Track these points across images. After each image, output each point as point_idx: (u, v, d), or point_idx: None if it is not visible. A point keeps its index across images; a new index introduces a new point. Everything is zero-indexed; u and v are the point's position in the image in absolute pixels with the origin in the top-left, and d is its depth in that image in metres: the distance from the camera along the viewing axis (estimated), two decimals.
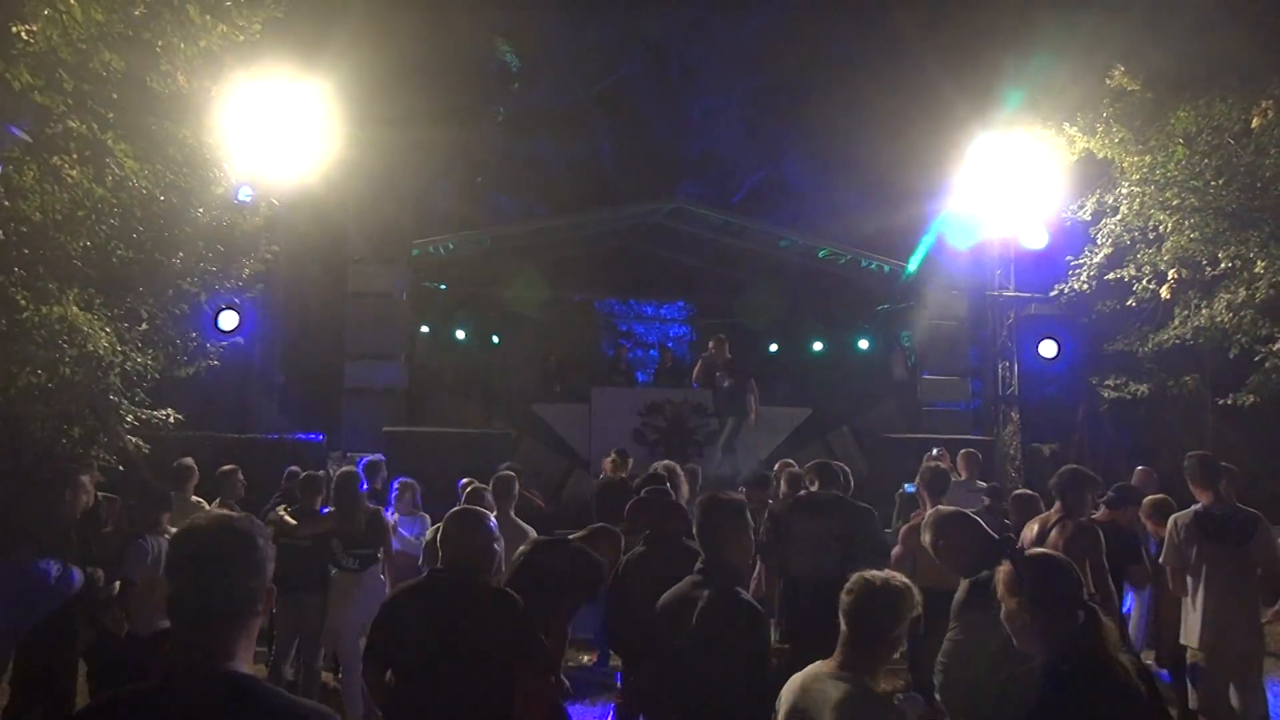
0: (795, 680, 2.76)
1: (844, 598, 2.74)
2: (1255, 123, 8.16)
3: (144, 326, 7.00)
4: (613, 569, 4.63)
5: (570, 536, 4.66)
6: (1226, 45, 8.37)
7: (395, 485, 7.39)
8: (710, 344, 10.94)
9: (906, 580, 2.76)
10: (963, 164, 11.34)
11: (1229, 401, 10.25)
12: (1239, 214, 8.60)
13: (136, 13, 5.52)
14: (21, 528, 4.74)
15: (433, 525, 6.25)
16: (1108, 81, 8.84)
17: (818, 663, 2.76)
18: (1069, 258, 10.70)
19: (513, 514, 6.15)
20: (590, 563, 4.30)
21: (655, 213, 14.39)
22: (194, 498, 6.80)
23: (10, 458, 5.70)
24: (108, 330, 6.22)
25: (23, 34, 5.07)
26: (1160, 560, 5.42)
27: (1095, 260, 10.27)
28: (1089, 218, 10.13)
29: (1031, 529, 5.06)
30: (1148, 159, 8.85)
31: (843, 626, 2.72)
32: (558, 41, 20.54)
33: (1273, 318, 9.22)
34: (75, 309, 5.88)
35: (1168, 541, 5.23)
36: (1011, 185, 10.90)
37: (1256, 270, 8.78)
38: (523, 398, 13.24)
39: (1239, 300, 9.27)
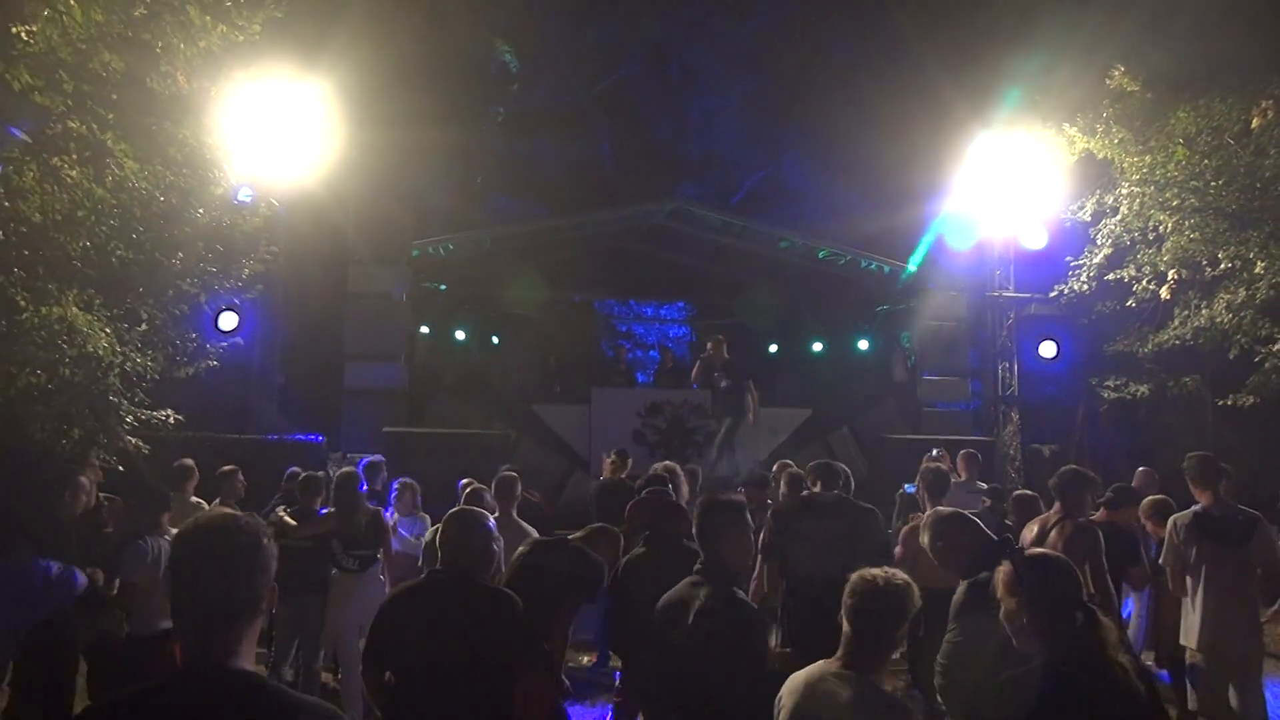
0: (799, 679, 2.74)
1: (847, 597, 2.74)
2: (1255, 123, 8.16)
3: (144, 327, 7.00)
4: (612, 569, 4.63)
5: (569, 537, 4.65)
6: (1226, 45, 8.37)
7: (395, 486, 7.39)
8: (708, 345, 10.95)
9: (907, 577, 2.76)
10: (963, 164, 11.34)
11: (1229, 402, 10.24)
12: (1239, 214, 8.59)
13: (136, 13, 5.52)
14: (21, 528, 4.74)
15: (432, 526, 6.25)
16: (1108, 82, 8.84)
17: (820, 662, 2.75)
18: (1069, 258, 10.70)
19: (515, 514, 6.15)
20: (589, 563, 4.30)
21: (655, 213, 14.39)
22: (194, 498, 6.81)
23: (10, 458, 5.70)
24: (107, 331, 6.22)
25: (22, 35, 5.07)
26: (1160, 561, 5.41)
27: (1095, 261, 10.27)
28: (1089, 218, 10.13)
29: (1031, 530, 5.07)
30: (1147, 159, 8.85)
31: (845, 626, 2.72)
32: (558, 42, 20.54)
33: (1273, 318, 9.22)
34: (75, 310, 5.88)
35: (1167, 542, 5.22)
36: (1011, 185, 10.91)
37: (1256, 271, 8.77)
38: (522, 398, 13.24)
39: (1239, 301, 9.27)
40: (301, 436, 10.35)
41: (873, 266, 13.87)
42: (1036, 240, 11.61)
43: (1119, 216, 9.65)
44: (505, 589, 3.59)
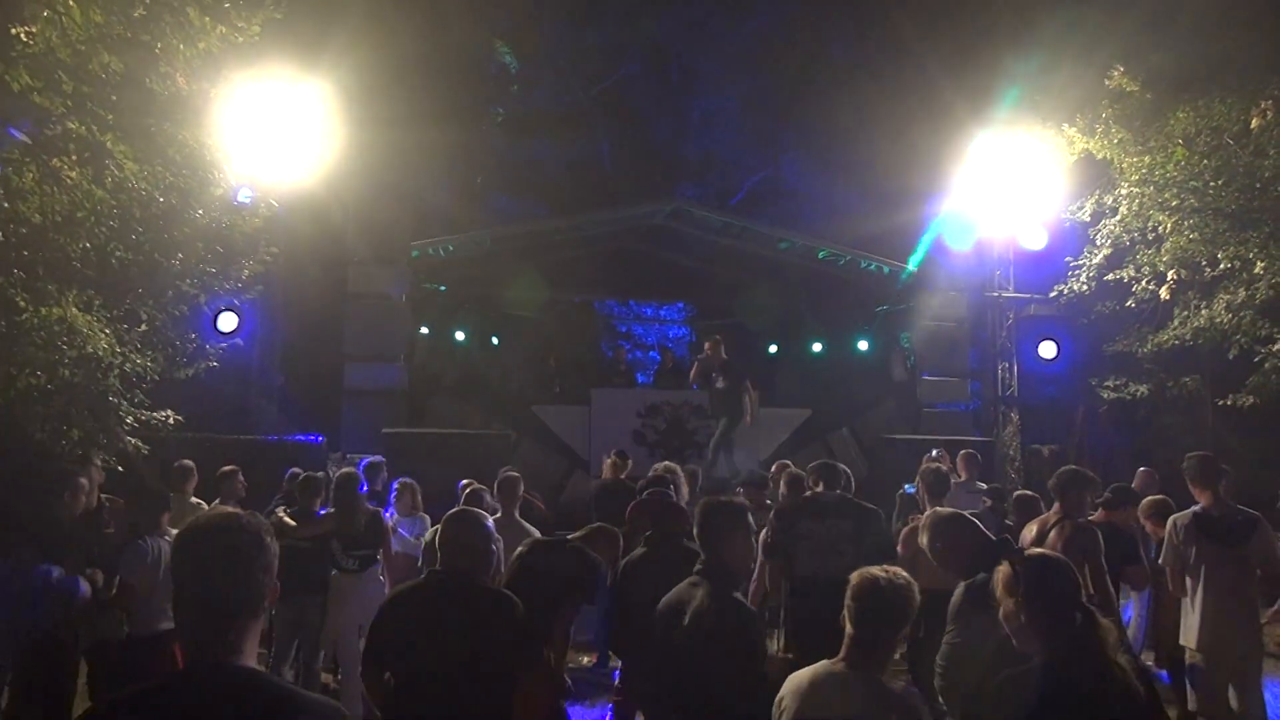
0: (802, 678, 2.73)
1: (849, 596, 2.73)
2: (1254, 123, 8.16)
3: (143, 328, 6.99)
4: (611, 568, 4.63)
5: (568, 537, 4.66)
6: (1226, 45, 8.37)
7: (395, 486, 7.39)
8: (705, 345, 10.95)
9: (909, 577, 2.76)
10: (962, 164, 11.34)
11: (1229, 402, 10.25)
12: (1238, 215, 8.59)
13: (136, 14, 5.51)
14: (21, 528, 4.74)
15: (432, 526, 6.25)
16: (1107, 82, 8.83)
17: (823, 662, 2.74)
18: (1068, 258, 10.70)
19: (517, 515, 6.15)
20: (587, 562, 4.30)
21: (655, 214, 14.39)
22: (193, 499, 6.81)
23: (10, 459, 5.70)
24: (107, 332, 6.21)
25: (22, 35, 5.06)
26: (1159, 561, 5.41)
27: (1095, 261, 10.27)
28: (1088, 218, 10.13)
29: (1030, 530, 5.07)
30: (1147, 160, 8.84)
31: (848, 626, 2.71)
32: (557, 42, 20.56)
33: (1272, 318, 9.22)
34: (75, 310, 5.87)
35: (1167, 542, 5.22)
36: (1011, 186, 10.90)
37: (1256, 271, 8.77)
38: (522, 399, 13.26)
39: (1238, 301, 9.27)
40: (301, 437, 10.35)
41: (872, 267, 13.87)
42: (1036, 240, 11.61)
43: (1118, 217, 9.65)
44: (505, 590, 3.59)
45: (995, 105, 10.92)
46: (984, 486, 8.13)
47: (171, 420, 7.38)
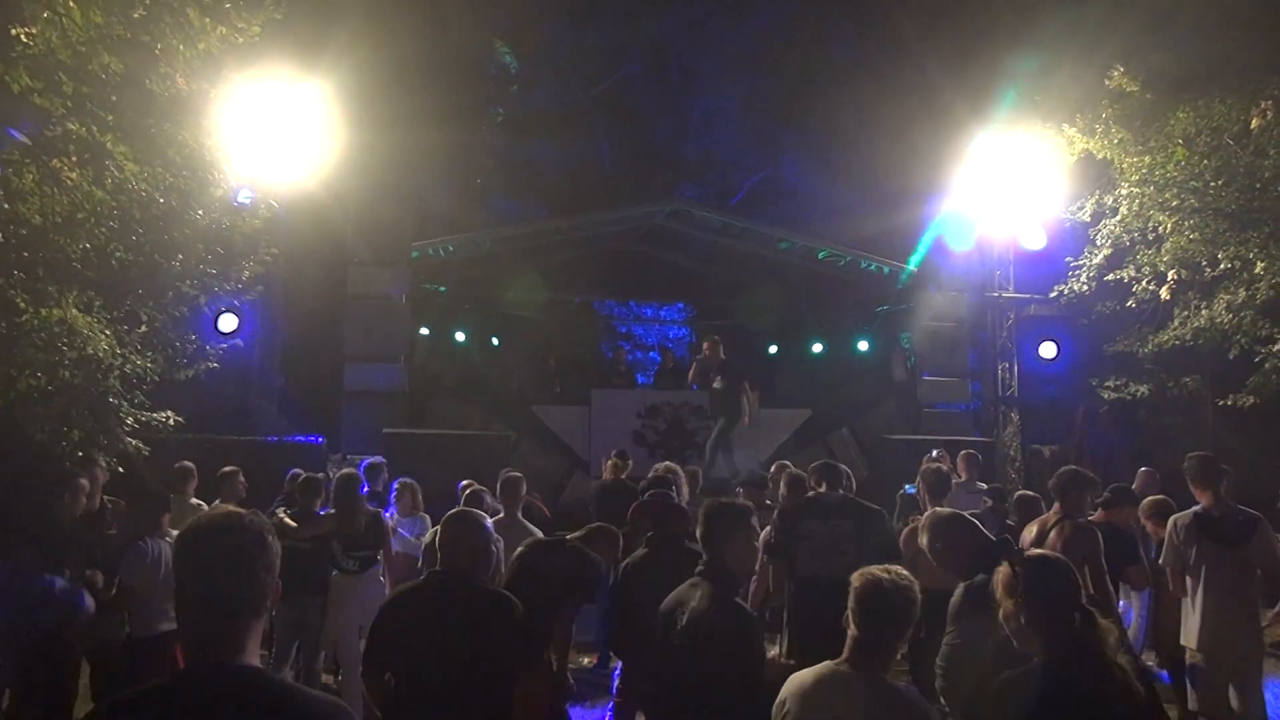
0: (805, 679, 2.71)
1: (853, 597, 2.72)
2: (1255, 123, 8.15)
3: (143, 329, 7.00)
4: (611, 568, 4.63)
5: (568, 537, 4.66)
6: (1226, 45, 8.37)
7: (395, 486, 7.39)
8: (704, 345, 10.96)
9: (911, 577, 2.76)
10: (962, 165, 11.34)
11: (1229, 402, 10.25)
12: (1238, 215, 8.59)
13: (136, 15, 5.51)
14: (21, 530, 4.73)
15: (433, 526, 6.25)
16: (1107, 82, 8.83)
17: (826, 663, 2.73)
18: (1069, 259, 10.70)
19: (520, 515, 6.14)
20: (587, 562, 4.31)
21: (655, 214, 14.40)
22: (194, 500, 6.81)
23: (10, 460, 5.70)
24: (107, 333, 6.21)
25: (22, 36, 5.06)
26: (1160, 561, 5.41)
27: (1095, 261, 10.27)
28: (1088, 219, 10.13)
29: (1030, 530, 5.07)
30: (1147, 160, 8.84)
31: (850, 626, 2.70)
32: (557, 42, 20.57)
33: (1273, 318, 9.22)
34: (75, 311, 5.88)
35: (1167, 542, 5.22)
36: (1011, 186, 10.91)
37: (1256, 271, 8.77)
38: (522, 399, 13.25)
39: (1239, 301, 9.27)
40: (302, 438, 10.36)
41: (872, 267, 13.87)
42: (1036, 240, 11.61)
43: (1118, 217, 9.65)
44: (504, 591, 3.59)
45: (995, 105, 10.92)
46: (984, 487, 8.13)
47: (172, 421, 7.39)
